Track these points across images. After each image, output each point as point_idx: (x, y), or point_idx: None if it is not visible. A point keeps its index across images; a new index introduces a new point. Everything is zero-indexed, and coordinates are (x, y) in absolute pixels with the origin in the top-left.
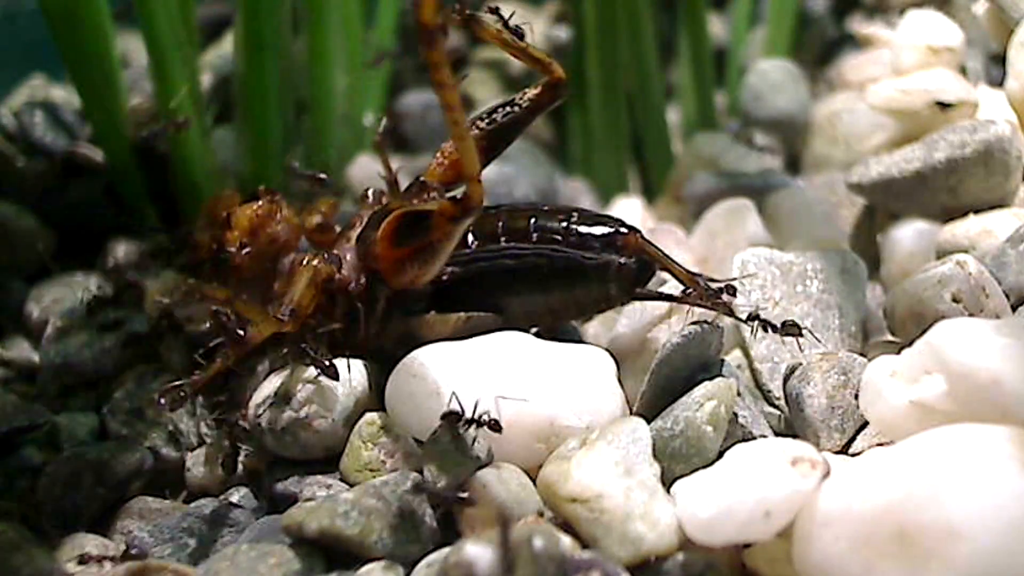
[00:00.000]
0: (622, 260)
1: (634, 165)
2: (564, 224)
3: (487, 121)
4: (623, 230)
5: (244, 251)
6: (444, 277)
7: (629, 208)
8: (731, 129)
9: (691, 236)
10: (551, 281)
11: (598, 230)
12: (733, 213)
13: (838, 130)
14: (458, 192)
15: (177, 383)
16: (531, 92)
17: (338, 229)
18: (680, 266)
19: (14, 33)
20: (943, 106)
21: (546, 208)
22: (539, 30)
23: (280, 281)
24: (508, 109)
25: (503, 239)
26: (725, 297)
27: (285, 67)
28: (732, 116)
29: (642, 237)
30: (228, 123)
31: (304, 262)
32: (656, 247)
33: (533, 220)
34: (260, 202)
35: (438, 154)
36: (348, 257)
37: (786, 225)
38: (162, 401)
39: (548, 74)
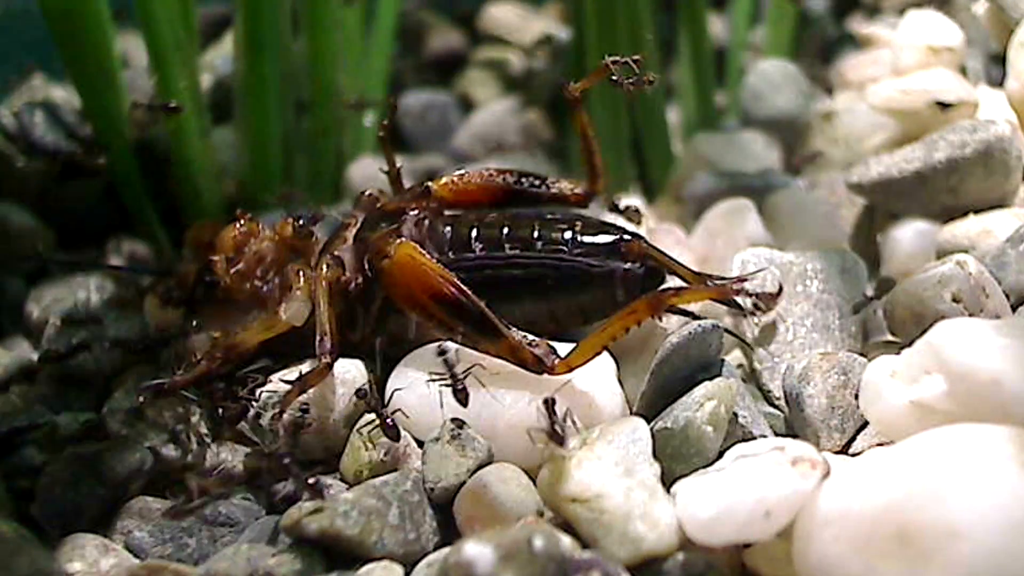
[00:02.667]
0: (627, 267)
1: (634, 165)
2: (568, 232)
3: (514, 180)
4: (627, 237)
5: (233, 272)
6: None
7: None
8: (730, 128)
9: (691, 236)
10: (556, 290)
11: (602, 238)
12: (733, 213)
13: (838, 130)
14: (543, 352)
15: (159, 381)
16: (565, 185)
17: (318, 235)
18: (686, 267)
19: (14, 33)
20: (943, 106)
21: (549, 216)
22: (539, 30)
23: (272, 297)
24: (536, 183)
25: (507, 246)
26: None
27: (285, 67)
28: (732, 115)
29: (646, 243)
30: (228, 123)
31: (299, 273)
32: (661, 251)
33: (538, 228)
34: (240, 223)
35: (456, 175)
36: (346, 257)
37: (786, 225)
38: (142, 399)
39: (591, 182)
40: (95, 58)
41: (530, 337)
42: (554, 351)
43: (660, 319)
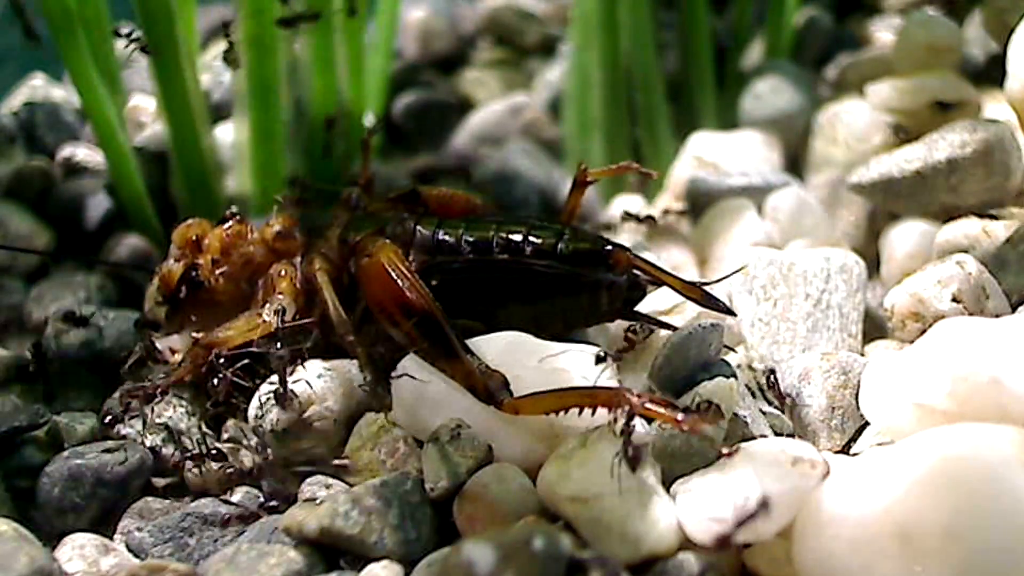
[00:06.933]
0: (612, 277)
1: None
2: (557, 241)
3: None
4: (613, 248)
5: (219, 273)
6: (434, 282)
7: (629, 207)
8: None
9: (691, 236)
10: (542, 295)
11: (590, 247)
12: (733, 213)
13: (838, 130)
14: (495, 385)
15: (140, 386)
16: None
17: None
18: (675, 276)
19: (14, 33)
20: (943, 106)
21: (539, 223)
22: (541, 29)
23: (256, 298)
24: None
25: (496, 250)
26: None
27: (285, 67)
28: (733, 114)
29: (633, 254)
30: (228, 123)
31: (282, 273)
32: (648, 262)
33: (527, 234)
34: (229, 224)
35: (445, 191)
36: (331, 257)
37: (786, 225)
38: (128, 403)
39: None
40: (95, 58)
41: (486, 366)
42: (507, 386)
43: (616, 418)
